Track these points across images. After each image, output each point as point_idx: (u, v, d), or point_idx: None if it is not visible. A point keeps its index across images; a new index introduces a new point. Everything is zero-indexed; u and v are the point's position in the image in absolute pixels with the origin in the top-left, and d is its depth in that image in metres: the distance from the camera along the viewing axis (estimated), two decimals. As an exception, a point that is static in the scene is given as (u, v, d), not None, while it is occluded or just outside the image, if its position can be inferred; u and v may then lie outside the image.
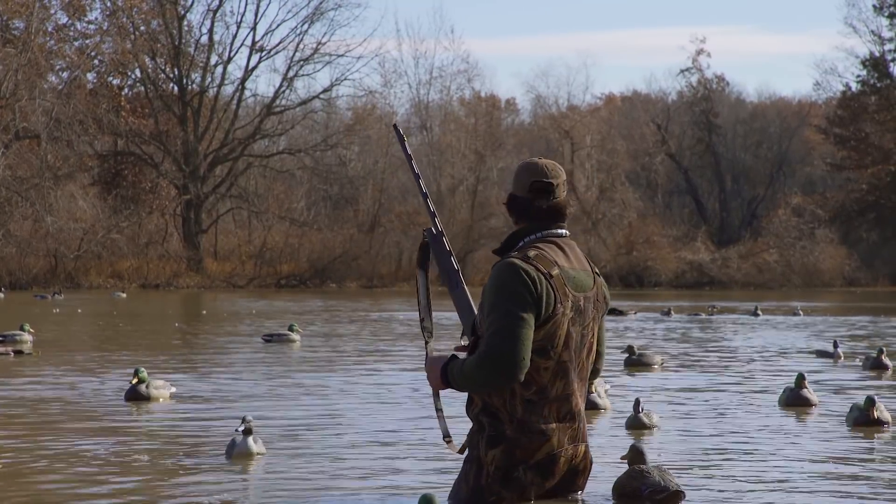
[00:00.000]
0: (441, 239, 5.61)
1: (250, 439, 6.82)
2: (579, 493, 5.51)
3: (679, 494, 5.60)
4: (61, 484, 6.17)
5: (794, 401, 9.40)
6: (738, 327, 21.64)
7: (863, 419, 8.25)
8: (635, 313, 26.26)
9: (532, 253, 5.36)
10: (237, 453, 6.77)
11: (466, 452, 5.48)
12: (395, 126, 5.95)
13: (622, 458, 5.95)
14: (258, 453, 6.83)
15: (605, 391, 9.51)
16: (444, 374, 5.41)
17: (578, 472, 5.46)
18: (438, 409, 5.64)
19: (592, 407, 8.98)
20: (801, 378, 9.52)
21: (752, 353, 15.38)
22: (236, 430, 6.84)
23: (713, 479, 6.26)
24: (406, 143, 5.71)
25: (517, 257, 5.35)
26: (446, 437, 5.60)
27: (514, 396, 5.32)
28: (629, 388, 10.70)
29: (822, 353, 14.71)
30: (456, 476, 5.53)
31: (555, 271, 5.33)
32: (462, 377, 5.31)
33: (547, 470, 5.37)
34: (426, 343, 5.66)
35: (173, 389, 10.04)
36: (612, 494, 5.69)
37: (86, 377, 11.64)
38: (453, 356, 5.43)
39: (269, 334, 17.28)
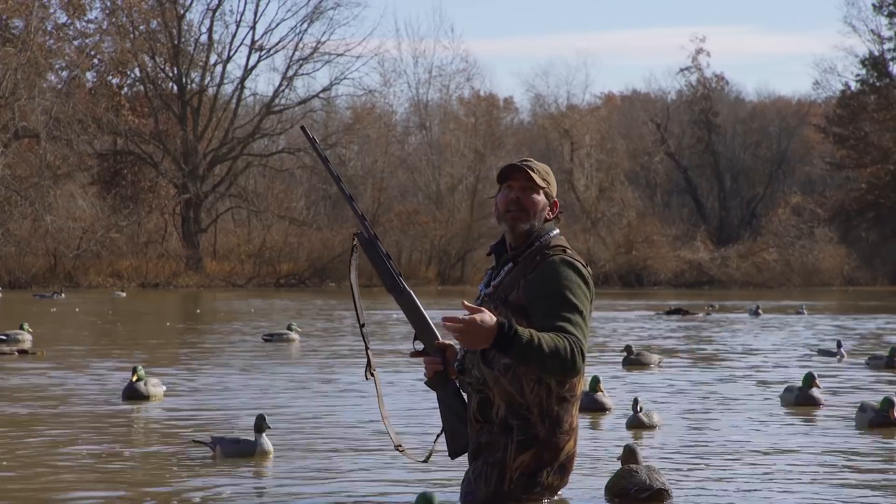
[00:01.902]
0: (375, 243, 5.47)
1: (265, 437, 6.84)
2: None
3: (663, 493, 5.64)
4: (62, 485, 6.17)
5: (804, 400, 9.33)
6: (739, 326, 21.62)
7: (879, 420, 8.11)
8: (708, 313, 25.77)
9: (569, 251, 5.38)
10: (259, 452, 6.80)
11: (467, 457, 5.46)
12: (302, 128, 5.84)
13: (617, 458, 5.98)
14: (272, 452, 6.85)
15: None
16: (500, 332, 4.93)
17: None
18: (383, 415, 5.62)
19: (600, 408, 8.99)
20: (811, 378, 9.44)
21: (753, 352, 15.37)
22: (258, 429, 6.85)
23: (707, 478, 6.27)
24: (318, 144, 5.61)
25: (571, 256, 5.34)
26: (398, 446, 5.57)
27: (551, 394, 5.29)
28: (628, 388, 10.69)
29: (824, 353, 14.64)
30: (462, 473, 5.50)
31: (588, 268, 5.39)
32: (545, 346, 4.96)
33: (565, 470, 5.38)
34: (367, 349, 5.55)
35: (163, 388, 10.05)
36: (604, 493, 5.71)
37: (84, 376, 11.65)
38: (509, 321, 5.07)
39: (269, 333, 17.30)
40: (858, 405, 8.54)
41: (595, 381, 9.06)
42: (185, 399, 9.88)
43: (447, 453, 5.49)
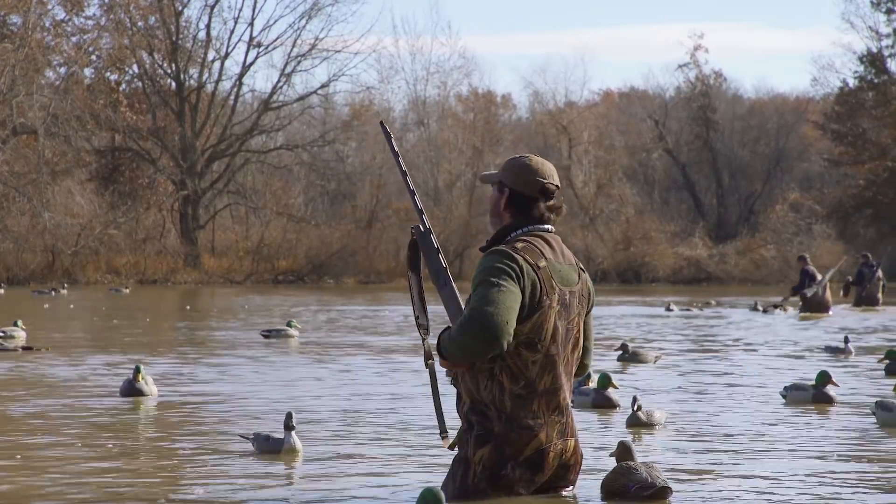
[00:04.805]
0: (429, 236, 5.63)
1: (294, 434, 6.85)
2: (571, 487, 5.54)
3: (666, 490, 5.59)
4: (74, 483, 6.17)
5: (819, 398, 9.22)
6: (739, 322, 21.58)
7: None
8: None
9: (520, 245, 5.43)
10: (286, 449, 6.81)
11: (456, 450, 5.50)
12: (381, 123, 5.97)
13: (611, 454, 5.95)
14: (300, 450, 6.86)
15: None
16: (438, 345, 5.45)
17: (569, 466, 5.49)
18: (436, 403, 5.64)
19: (610, 404, 8.99)
20: (826, 376, 9.34)
21: (754, 349, 15.33)
22: (287, 427, 6.86)
23: (706, 476, 6.25)
24: (393, 140, 5.75)
25: (505, 247, 5.41)
26: (442, 433, 5.61)
27: (503, 391, 5.35)
28: (631, 384, 10.67)
29: (831, 350, 14.49)
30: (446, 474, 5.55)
31: (542, 263, 5.40)
32: (451, 344, 5.34)
33: (537, 466, 5.39)
34: (423, 340, 5.68)
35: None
36: (600, 491, 5.69)
37: (83, 373, 11.65)
38: (447, 328, 5.46)
39: (268, 330, 17.27)
40: (875, 402, 8.39)
41: (606, 379, 9.08)
42: (184, 396, 9.89)
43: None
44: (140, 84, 50.58)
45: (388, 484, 6.02)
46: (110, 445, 7.28)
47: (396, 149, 5.76)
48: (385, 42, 72.79)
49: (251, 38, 50.56)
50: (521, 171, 5.59)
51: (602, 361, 12.99)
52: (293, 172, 53.02)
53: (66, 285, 38.75)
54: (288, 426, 6.87)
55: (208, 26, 50.25)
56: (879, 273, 27.94)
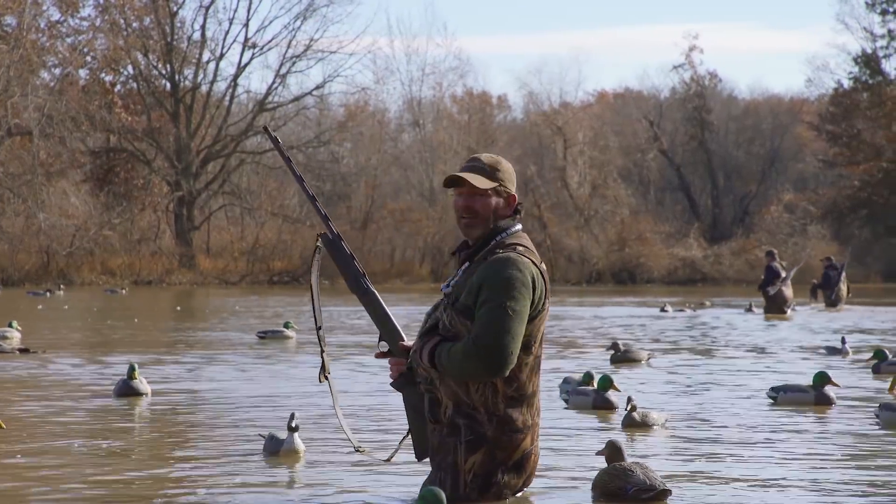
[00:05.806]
0: (340, 243, 5.46)
1: (297, 436, 6.84)
2: (526, 487, 5.46)
3: (665, 493, 5.49)
4: (82, 483, 6.18)
5: (819, 400, 9.19)
6: (733, 323, 21.58)
7: None
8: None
9: (520, 248, 5.32)
10: (285, 450, 6.80)
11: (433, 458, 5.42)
12: (265, 128, 5.87)
13: (597, 453, 5.87)
14: (302, 451, 6.85)
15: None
16: (431, 353, 5.26)
17: (535, 468, 5.45)
18: (339, 418, 5.61)
19: (610, 406, 8.98)
20: (825, 377, 9.29)
21: (749, 349, 15.33)
22: (289, 428, 6.85)
23: (703, 478, 6.24)
24: (282, 145, 5.64)
25: (511, 252, 5.28)
26: (358, 448, 5.59)
27: (497, 393, 5.24)
28: (634, 385, 10.67)
29: (830, 350, 14.44)
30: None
31: (542, 266, 5.33)
32: (449, 362, 5.18)
33: (521, 469, 5.32)
34: (322, 352, 5.55)
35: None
36: (591, 492, 5.62)
37: (79, 373, 11.65)
38: (442, 339, 5.28)
39: (264, 331, 17.24)
40: (878, 405, 8.35)
41: (608, 381, 9.06)
42: (180, 396, 9.89)
43: (414, 455, 5.47)
44: (135, 85, 50.55)
45: (388, 484, 6.02)
46: (106, 445, 7.29)
47: (286, 154, 5.67)
48: (380, 43, 72.70)
49: (246, 39, 50.56)
50: (509, 170, 5.50)
51: (595, 361, 12.99)
52: (288, 173, 52.90)
53: (62, 286, 38.73)
54: (290, 427, 6.85)
55: (203, 27, 50.29)
56: (843, 275, 28.37)
